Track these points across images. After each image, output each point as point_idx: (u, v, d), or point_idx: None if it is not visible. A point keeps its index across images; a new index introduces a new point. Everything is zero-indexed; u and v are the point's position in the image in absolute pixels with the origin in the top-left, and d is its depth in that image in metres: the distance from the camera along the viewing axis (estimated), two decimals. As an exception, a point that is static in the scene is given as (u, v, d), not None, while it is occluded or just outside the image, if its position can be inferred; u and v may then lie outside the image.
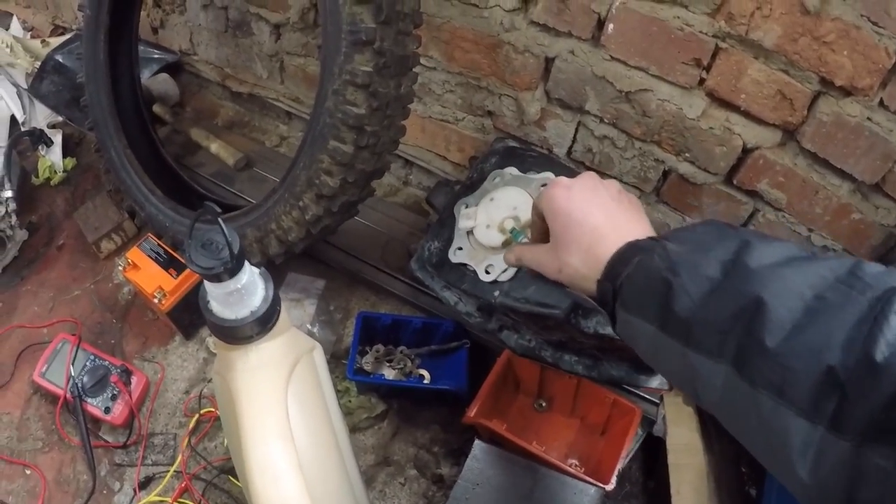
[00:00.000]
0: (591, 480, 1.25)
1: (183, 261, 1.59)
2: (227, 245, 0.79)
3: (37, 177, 2.11)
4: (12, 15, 2.76)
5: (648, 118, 1.38)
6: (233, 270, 0.81)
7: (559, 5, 1.33)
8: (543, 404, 1.50)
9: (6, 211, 1.92)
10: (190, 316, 1.66)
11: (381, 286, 1.67)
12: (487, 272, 1.27)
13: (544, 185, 1.28)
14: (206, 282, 0.85)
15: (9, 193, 1.96)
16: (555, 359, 1.31)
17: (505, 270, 1.25)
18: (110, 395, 1.58)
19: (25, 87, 2.28)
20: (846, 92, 1.15)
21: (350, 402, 1.53)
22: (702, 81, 1.28)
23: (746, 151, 1.32)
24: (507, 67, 1.48)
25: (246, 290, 0.86)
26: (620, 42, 1.31)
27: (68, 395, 1.58)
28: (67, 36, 2.34)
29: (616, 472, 1.29)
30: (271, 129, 2.11)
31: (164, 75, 2.08)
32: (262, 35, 1.88)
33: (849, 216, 1.31)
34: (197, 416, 1.57)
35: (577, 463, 1.43)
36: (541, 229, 0.94)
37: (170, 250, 1.61)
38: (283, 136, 2.08)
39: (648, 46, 1.28)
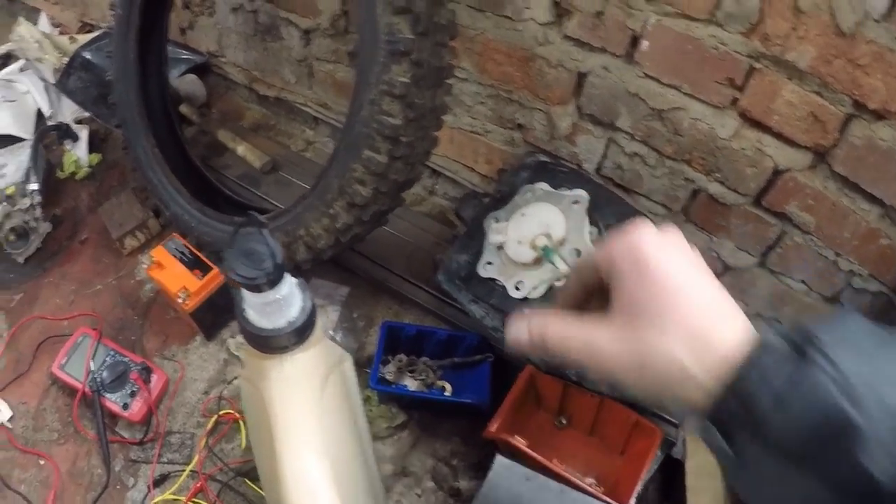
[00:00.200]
0: (610, 501, 1.24)
1: (208, 262, 1.59)
2: (270, 256, 0.77)
3: (61, 171, 2.12)
4: (41, 11, 2.77)
5: (680, 137, 1.37)
6: (274, 281, 0.80)
7: (594, 21, 1.32)
8: (563, 421, 1.48)
9: (31, 203, 1.93)
10: (213, 317, 1.66)
11: (405, 295, 1.66)
12: (517, 288, 1.27)
13: (576, 202, 1.28)
14: (243, 291, 0.84)
15: (35, 186, 1.97)
16: (579, 377, 1.30)
17: (535, 288, 1.24)
18: (129, 391, 1.58)
19: (53, 82, 2.28)
20: (879, 115, 1.13)
21: (371, 410, 1.52)
22: (735, 101, 1.27)
23: (777, 173, 1.31)
24: (540, 81, 1.47)
25: (284, 301, 0.86)
26: (654, 59, 1.30)
27: (87, 389, 1.58)
28: (96, 33, 2.35)
29: (636, 494, 1.28)
30: (297, 133, 2.11)
31: (192, 76, 2.09)
32: (292, 40, 1.88)
33: (877, 241, 1.29)
34: (216, 417, 1.57)
35: (595, 482, 1.42)
36: (583, 290, 0.61)
37: (195, 251, 1.61)
38: (310, 141, 2.07)
39: (682, 65, 1.27)
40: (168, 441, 1.58)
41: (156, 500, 1.48)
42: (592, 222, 1.27)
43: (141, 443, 1.57)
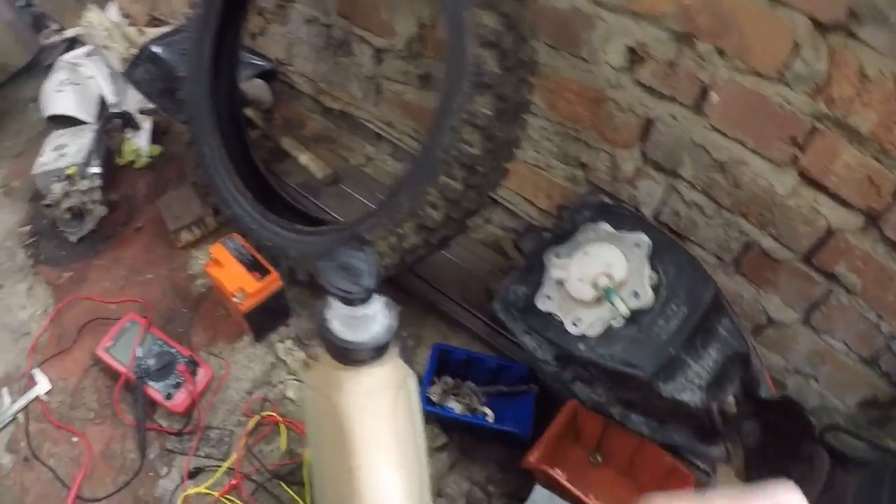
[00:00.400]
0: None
1: (267, 265, 1.61)
2: (368, 273, 0.80)
3: (120, 157, 2.18)
4: (110, 0, 2.82)
5: (739, 190, 1.40)
6: (369, 298, 0.83)
7: (666, 70, 1.35)
8: (599, 459, 1.50)
9: (91, 185, 1.98)
10: (264, 319, 1.69)
11: (455, 319, 1.69)
12: (575, 324, 1.29)
13: (637, 245, 1.30)
14: (332, 301, 0.87)
15: (96, 169, 2.03)
16: (622, 416, 1.32)
17: (592, 325, 1.26)
18: (174, 382, 1.61)
19: (120, 70, 2.34)
20: (932, 186, 1.15)
21: (414, 428, 1.55)
22: (795, 159, 1.30)
23: (829, 233, 1.33)
24: (608, 123, 1.50)
25: (371, 317, 0.88)
26: (722, 112, 1.34)
27: (131, 375, 1.61)
28: (166, 29, 2.40)
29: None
30: (358, 147, 2.14)
31: (260, 81, 2.14)
32: (363, 57, 1.92)
33: (919, 308, 1.30)
34: (258, 417, 1.59)
35: (627, 522, 1.43)
36: None
37: (254, 252, 1.63)
38: (370, 157, 2.11)
39: (748, 120, 1.30)
40: (207, 435, 1.60)
41: (188, 491, 1.50)
42: (652, 267, 1.29)
43: (179, 434, 1.60)
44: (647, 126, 1.46)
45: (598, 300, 1.29)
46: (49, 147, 2.18)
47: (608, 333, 1.26)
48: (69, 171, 1.98)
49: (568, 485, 1.33)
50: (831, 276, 1.39)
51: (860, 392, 1.46)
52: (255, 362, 1.73)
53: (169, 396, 1.59)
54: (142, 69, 2.25)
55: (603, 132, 1.53)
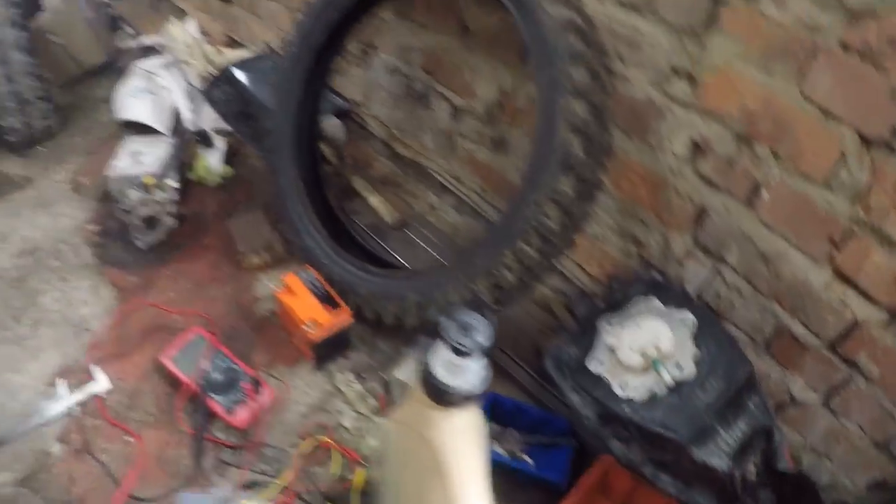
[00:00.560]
0: None
1: (339, 300, 1.77)
2: (485, 335, 0.99)
3: (190, 172, 2.36)
4: (187, 15, 2.98)
5: (778, 279, 1.58)
6: (480, 354, 1.02)
7: (725, 165, 1.55)
8: (625, 513, 1.66)
9: (167, 198, 2.17)
10: (328, 350, 1.86)
11: (504, 369, 1.88)
12: (622, 387, 1.46)
13: (683, 322, 1.47)
14: (439, 348, 1.05)
15: (174, 183, 2.20)
16: (653, 476, 1.50)
17: (638, 390, 1.43)
18: (237, 397, 1.77)
19: (198, 87, 2.50)
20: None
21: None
22: (831, 257, 1.47)
23: (855, 325, 1.50)
24: (666, 207, 1.69)
25: (472, 368, 1.06)
26: (770, 209, 1.52)
27: (194, 386, 1.78)
28: (247, 54, 2.57)
29: None
30: (422, 196, 2.30)
31: (336, 119, 2.31)
32: (441, 112, 2.10)
33: (933, 397, 1.49)
34: (313, 441, 1.75)
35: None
36: None
37: (328, 287, 1.80)
38: (433, 206, 2.27)
39: (793, 218, 1.49)
40: (262, 452, 1.75)
41: (242, 502, 1.63)
42: (695, 342, 1.47)
43: (236, 447, 1.74)
44: (701, 213, 1.64)
45: (644, 368, 1.47)
46: (125, 152, 2.36)
47: (651, 399, 1.44)
48: (147, 181, 2.15)
49: (597, 536, 1.49)
50: (853, 364, 1.54)
51: (871, 474, 1.59)
52: (314, 389, 1.89)
53: (230, 411, 1.75)
54: (220, 90, 2.42)
55: (660, 214, 1.71)
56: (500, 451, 1.72)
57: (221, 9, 2.96)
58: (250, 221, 2.13)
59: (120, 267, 2.18)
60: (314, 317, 1.75)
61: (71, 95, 3.02)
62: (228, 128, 2.43)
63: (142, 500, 1.65)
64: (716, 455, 1.39)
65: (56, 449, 1.76)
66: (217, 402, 1.76)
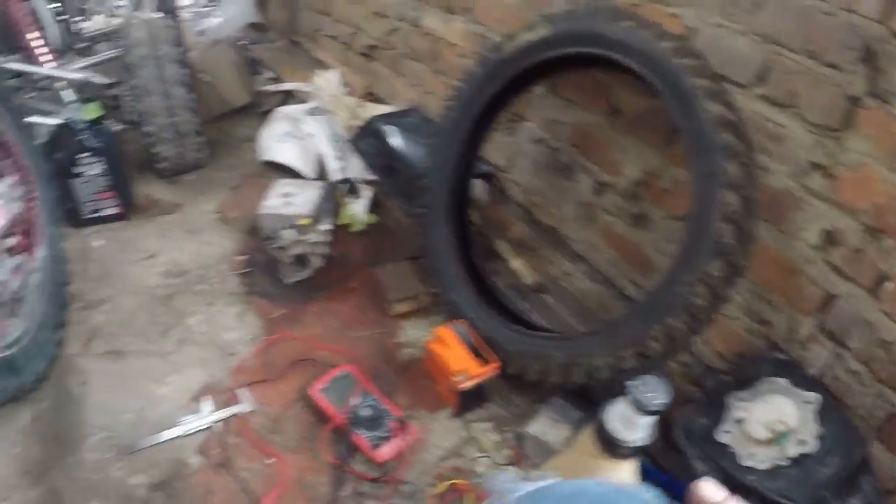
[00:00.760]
0: None
1: (486, 355, 2.03)
2: (664, 399, 1.24)
3: (336, 217, 2.63)
4: (325, 64, 3.27)
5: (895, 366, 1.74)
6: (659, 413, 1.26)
7: (853, 255, 1.73)
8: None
9: (320, 240, 2.47)
10: (470, 400, 2.08)
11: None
12: (748, 458, 1.66)
13: (808, 402, 1.67)
14: (619, 403, 1.34)
15: (329, 227, 2.50)
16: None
17: (763, 461, 1.63)
18: (382, 434, 1.98)
19: (344, 136, 2.81)
20: None
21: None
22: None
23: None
24: (796, 291, 1.88)
25: (646, 424, 1.29)
26: (894, 299, 1.68)
27: (341, 419, 2.00)
28: (391, 109, 2.84)
29: None
30: (556, 262, 2.48)
31: (480, 181, 2.57)
32: (583, 185, 2.28)
33: None
34: (448, 483, 1.92)
35: None
36: None
37: (478, 340, 2.05)
38: (567, 273, 2.44)
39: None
40: (399, 488, 1.92)
41: None
42: (817, 421, 1.67)
43: (376, 480, 1.93)
44: (828, 299, 1.81)
45: (770, 442, 1.68)
46: (276, 192, 2.69)
47: (775, 470, 1.66)
48: (303, 222, 2.44)
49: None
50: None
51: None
52: (452, 434, 2.08)
53: (375, 447, 1.96)
54: (366, 142, 2.71)
55: (789, 298, 1.90)
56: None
57: (362, 64, 3.24)
58: (398, 270, 2.38)
59: (267, 298, 2.47)
60: (466, 368, 1.98)
61: (215, 131, 3.36)
62: (372, 178, 2.68)
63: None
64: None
65: (195, 460, 1.97)
66: (362, 437, 1.97)
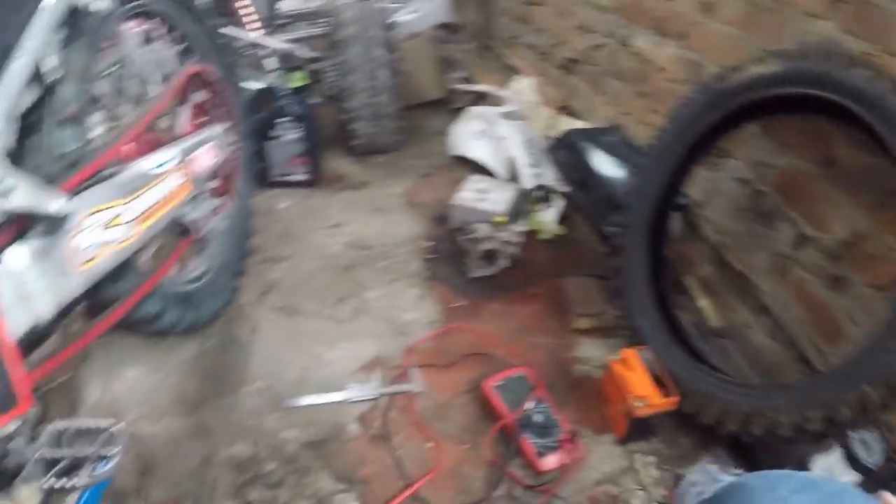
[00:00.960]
0: None
1: (669, 386, 2.04)
2: (879, 454, 1.37)
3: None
4: (519, 72, 3.37)
5: None
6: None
7: None
8: None
9: (512, 240, 2.54)
10: (638, 429, 2.07)
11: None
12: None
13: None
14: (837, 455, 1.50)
15: (522, 228, 2.59)
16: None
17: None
18: (550, 444, 2.01)
19: (537, 143, 2.87)
20: None
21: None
22: None
23: None
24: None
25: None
26: None
27: (512, 420, 2.05)
28: (586, 125, 2.90)
29: None
30: (738, 309, 2.42)
31: (677, 213, 2.54)
32: (783, 235, 2.21)
33: None
34: (601, 507, 2.00)
35: None
36: None
37: (662, 370, 2.07)
38: (748, 325, 2.37)
39: None
40: (552, 502, 1.93)
41: None
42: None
43: (530, 488, 1.95)
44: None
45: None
46: (470, 186, 2.78)
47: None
48: (498, 220, 2.53)
49: None
50: None
51: None
52: (613, 459, 2.06)
53: (540, 455, 1.99)
54: (562, 153, 2.78)
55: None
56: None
57: (559, 76, 3.29)
58: (584, 285, 2.44)
59: (449, 287, 2.55)
60: (647, 395, 1.99)
61: (408, 120, 3.50)
62: (564, 189, 2.77)
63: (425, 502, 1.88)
64: None
65: (353, 428, 2.05)
66: (530, 443, 2.00)
